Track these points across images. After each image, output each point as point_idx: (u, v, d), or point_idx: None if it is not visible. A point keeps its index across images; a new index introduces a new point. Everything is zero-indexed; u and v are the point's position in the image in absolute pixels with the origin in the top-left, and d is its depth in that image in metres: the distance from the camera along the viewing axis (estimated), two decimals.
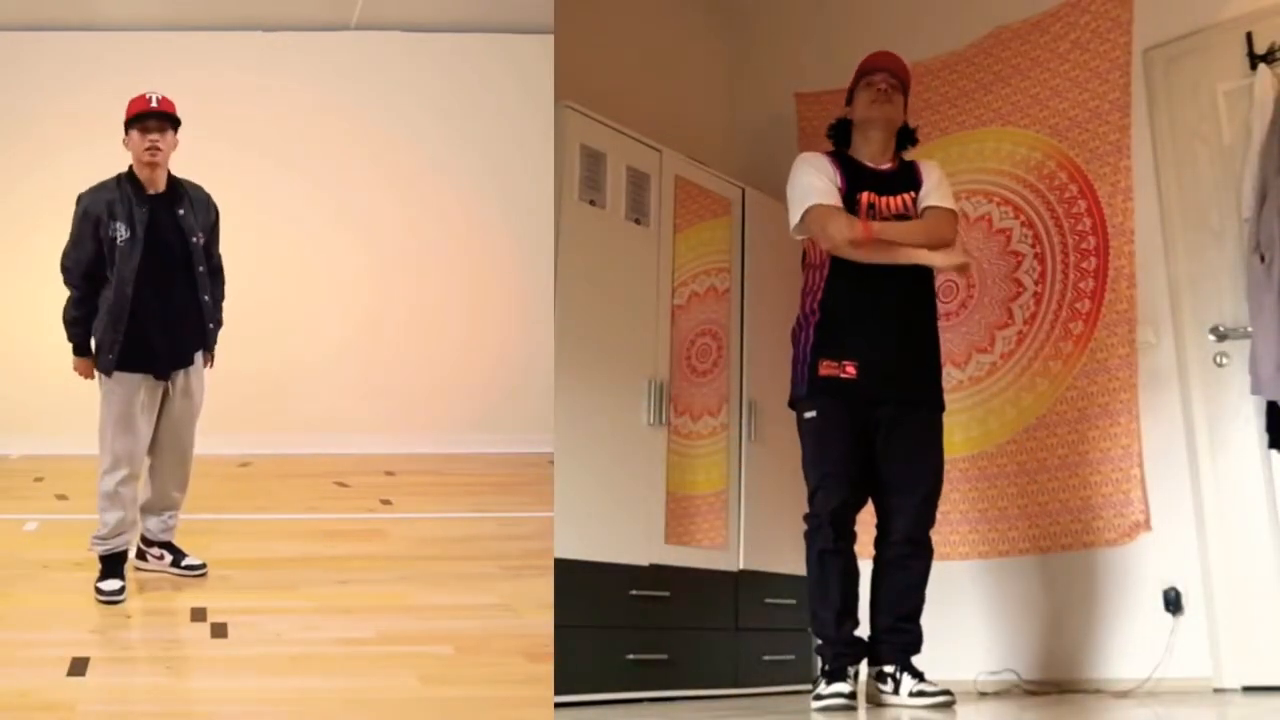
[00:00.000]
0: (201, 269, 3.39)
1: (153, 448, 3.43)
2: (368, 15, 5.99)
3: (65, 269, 3.37)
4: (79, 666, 2.76)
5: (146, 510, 3.50)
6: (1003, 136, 4.35)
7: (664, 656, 3.83)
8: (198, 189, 3.49)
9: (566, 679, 2.99)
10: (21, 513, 4.42)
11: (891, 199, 3.32)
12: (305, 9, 5.94)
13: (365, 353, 6.11)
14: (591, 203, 3.91)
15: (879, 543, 3.30)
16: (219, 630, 3.08)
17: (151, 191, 3.36)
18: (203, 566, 3.51)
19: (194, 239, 3.38)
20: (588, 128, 3.93)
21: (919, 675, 3.13)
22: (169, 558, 3.52)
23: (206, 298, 3.43)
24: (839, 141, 3.47)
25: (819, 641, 3.24)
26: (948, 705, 3.05)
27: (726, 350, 4.35)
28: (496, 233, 6.13)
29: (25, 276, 5.82)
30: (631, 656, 3.73)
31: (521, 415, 5.57)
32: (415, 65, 6.13)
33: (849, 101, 3.47)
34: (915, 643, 3.20)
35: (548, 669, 2.80)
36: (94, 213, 3.31)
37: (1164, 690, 3.57)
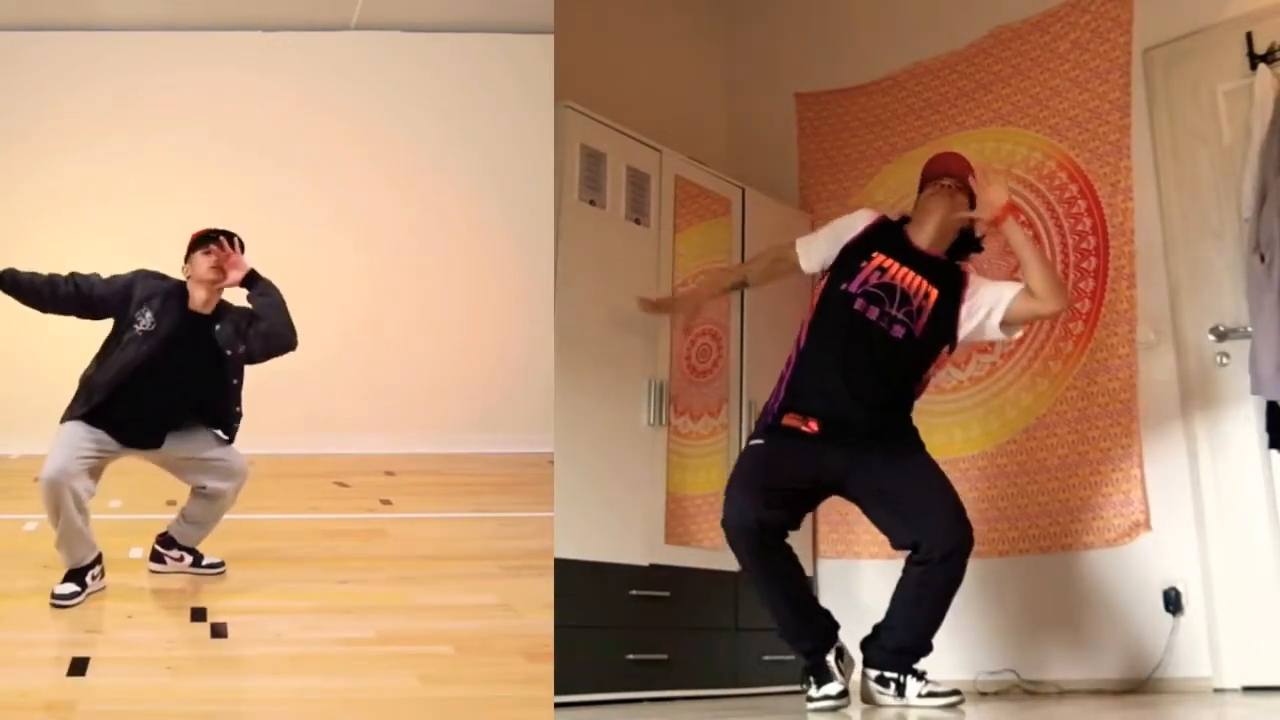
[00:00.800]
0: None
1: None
2: (368, 15, 5.99)
3: (80, 279, 3.33)
4: (79, 666, 2.76)
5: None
6: (1003, 136, 4.35)
7: (664, 656, 3.83)
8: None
9: (566, 679, 2.99)
10: (21, 513, 4.42)
11: (909, 272, 3.21)
12: (305, 9, 5.94)
13: (365, 353, 6.11)
14: (591, 203, 3.91)
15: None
16: (219, 630, 3.08)
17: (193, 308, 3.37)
18: (221, 565, 3.54)
19: (228, 351, 3.38)
20: (588, 128, 3.93)
21: (922, 676, 3.12)
22: (189, 559, 3.53)
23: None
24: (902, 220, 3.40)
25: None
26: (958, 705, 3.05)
27: (726, 350, 4.35)
28: (496, 233, 6.14)
29: None
30: (631, 656, 3.73)
31: (521, 415, 5.57)
32: (415, 65, 6.14)
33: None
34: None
35: (548, 669, 2.80)
36: (138, 294, 3.31)
37: (1164, 690, 3.57)
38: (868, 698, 3.16)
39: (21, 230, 5.74)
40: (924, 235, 3.28)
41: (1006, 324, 3.23)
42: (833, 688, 3.09)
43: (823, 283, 3.35)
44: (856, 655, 3.21)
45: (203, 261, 3.36)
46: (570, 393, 3.72)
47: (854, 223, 3.35)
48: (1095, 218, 4.04)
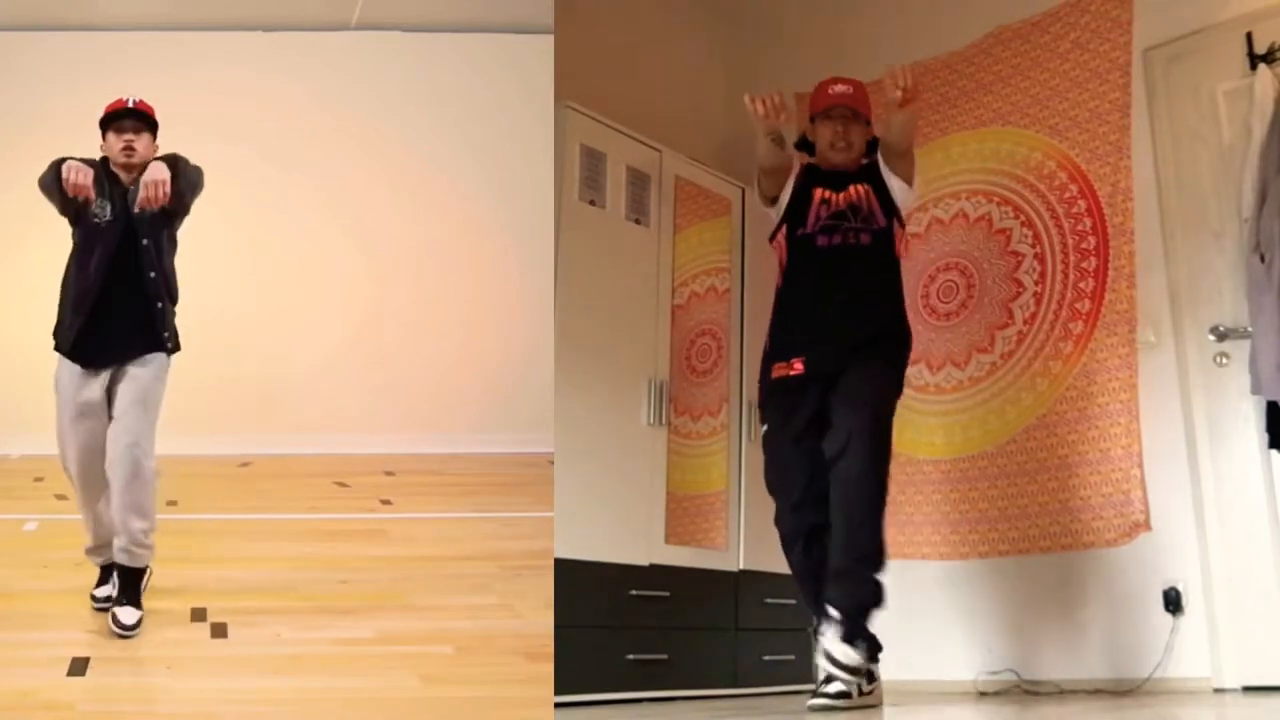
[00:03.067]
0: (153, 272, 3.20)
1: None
2: (368, 15, 5.99)
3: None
4: (79, 666, 2.76)
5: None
6: (1003, 136, 4.35)
7: (664, 656, 3.83)
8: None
9: (566, 679, 2.99)
10: (21, 513, 4.42)
11: (846, 191, 3.38)
12: (305, 9, 5.94)
13: (365, 353, 6.11)
14: (591, 203, 3.91)
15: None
16: (219, 630, 3.08)
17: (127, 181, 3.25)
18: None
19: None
20: (588, 128, 3.93)
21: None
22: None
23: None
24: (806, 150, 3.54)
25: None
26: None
27: (726, 350, 4.35)
28: (496, 233, 6.14)
29: (25, 276, 5.82)
30: (631, 656, 3.73)
31: (521, 415, 5.57)
32: (415, 65, 6.13)
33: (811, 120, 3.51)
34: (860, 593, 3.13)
35: (548, 669, 2.80)
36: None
37: (1164, 690, 3.57)
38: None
39: (21, 230, 5.75)
40: (837, 163, 3.44)
41: (895, 176, 3.39)
42: (830, 688, 3.08)
43: (780, 237, 3.47)
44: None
45: (115, 142, 3.29)
46: (570, 393, 3.72)
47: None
48: (1095, 218, 4.04)
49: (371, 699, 2.64)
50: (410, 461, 5.71)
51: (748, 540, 4.22)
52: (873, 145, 3.49)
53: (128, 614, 3.04)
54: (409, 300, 6.17)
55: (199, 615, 3.19)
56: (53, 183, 3.13)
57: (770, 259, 4.45)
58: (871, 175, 3.43)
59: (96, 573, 3.33)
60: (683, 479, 4.09)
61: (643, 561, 3.86)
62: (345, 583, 3.54)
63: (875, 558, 3.08)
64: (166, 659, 2.90)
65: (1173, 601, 3.66)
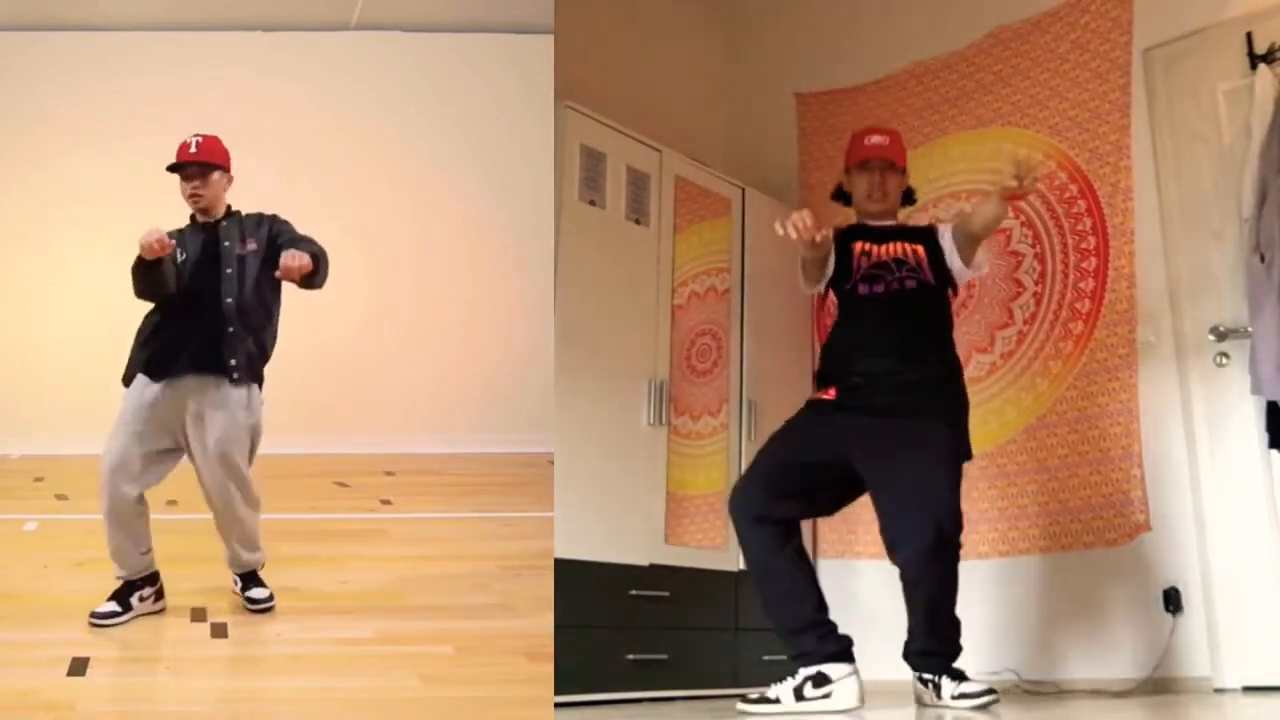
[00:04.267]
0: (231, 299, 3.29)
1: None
2: (368, 15, 6.00)
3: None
4: (79, 666, 2.76)
5: None
6: (1003, 136, 4.35)
7: (663, 656, 3.83)
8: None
9: (566, 679, 2.99)
10: (21, 513, 4.43)
11: (889, 245, 3.31)
12: (305, 9, 5.95)
13: (365, 353, 6.11)
14: (591, 203, 3.91)
15: None
16: (219, 630, 3.08)
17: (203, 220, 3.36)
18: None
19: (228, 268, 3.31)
20: (588, 128, 3.93)
21: (959, 676, 3.08)
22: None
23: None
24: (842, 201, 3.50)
25: None
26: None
27: (726, 350, 4.35)
28: (496, 233, 6.14)
29: (26, 277, 5.82)
30: (631, 656, 3.73)
31: (521, 415, 5.57)
32: (415, 65, 6.14)
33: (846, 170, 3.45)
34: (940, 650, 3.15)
35: (548, 669, 2.80)
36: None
37: (1164, 690, 3.57)
38: (917, 698, 3.15)
39: (22, 231, 5.75)
40: (874, 213, 3.39)
41: (958, 256, 3.30)
42: (773, 691, 3.06)
43: (826, 298, 3.44)
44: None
45: (184, 189, 3.35)
46: (570, 393, 3.72)
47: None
48: (1095, 218, 4.04)
49: (371, 699, 2.65)
50: (410, 461, 5.71)
51: None
52: (907, 195, 3.46)
53: (260, 591, 3.29)
54: (409, 300, 6.17)
55: (199, 615, 3.19)
56: (140, 270, 3.18)
57: (770, 258, 4.47)
58: (926, 239, 3.34)
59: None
60: (683, 479, 4.09)
61: (643, 561, 3.86)
62: (345, 583, 3.54)
63: (957, 631, 3.13)
64: (166, 659, 2.91)
65: (1173, 601, 3.66)
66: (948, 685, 3.05)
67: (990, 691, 3.01)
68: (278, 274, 3.18)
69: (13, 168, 5.82)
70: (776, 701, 3.04)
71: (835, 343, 3.34)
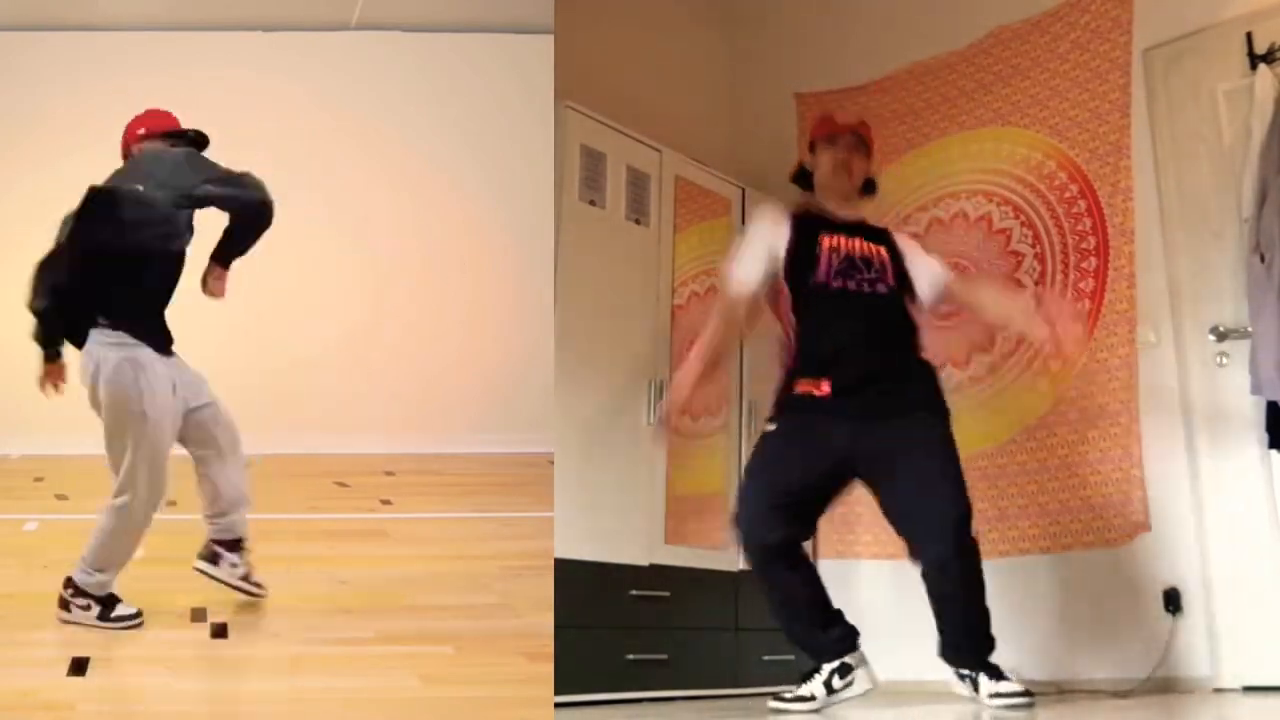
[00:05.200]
0: None
1: None
2: (368, 15, 6.00)
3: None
4: (79, 666, 2.76)
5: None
6: (1003, 136, 4.34)
7: (664, 657, 3.83)
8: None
9: (566, 679, 2.99)
10: (21, 513, 4.43)
11: (856, 241, 3.23)
12: (305, 9, 5.95)
13: (365, 353, 6.12)
14: (591, 203, 3.91)
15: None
16: (219, 630, 3.08)
17: None
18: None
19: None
20: (588, 128, 3.93)
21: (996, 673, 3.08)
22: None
23: None
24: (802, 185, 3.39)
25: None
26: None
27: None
28: (496, 233, 6.15)
29: (25, 277, 5.82)
30: (631, 657, 3.73)
31: (521, 415, 5.57)
32: (415, 65, 6.15)
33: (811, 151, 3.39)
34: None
35: (548, 669, 2.80)
36: None
37: (1164, 690, 3.57)
38: (952, 693, 3.16)
39: (22, 231, 5.74)
40: (838, 204, 3.30)
41: (936, 300, 3.35)
42: (806, 689, 3.09)
43: (785, 290, 3.23)
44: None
45: None
46: (570, 393, 3.72)
47: (776, 227, 3.25)
48: (1095, 218, 4.04)
49: (371, 699, 2.65)
50: (410, 461, 5.72)
51: None
52: (869, 186, 3.38)
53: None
54: (409, 300, 6.18)
55: (199, 615, 3.19)
56: None
57: None
58: (888, 244, 3.29)
59: None
60: (683, 479, 4.09)
61: (643, 561, 3.86)
62: (345, 583, 3.54)
63: (988, 623, 3.16)
64: (166, 659, 2.90)
65: (1173, 601, 3.66)
66: (985, 683, 3.05)
67: (1026, 694, 3.01)
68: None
69: (13, 168, 5.83)
70: (812, 699, 3.08)
71: (814, 338, 3.18)
